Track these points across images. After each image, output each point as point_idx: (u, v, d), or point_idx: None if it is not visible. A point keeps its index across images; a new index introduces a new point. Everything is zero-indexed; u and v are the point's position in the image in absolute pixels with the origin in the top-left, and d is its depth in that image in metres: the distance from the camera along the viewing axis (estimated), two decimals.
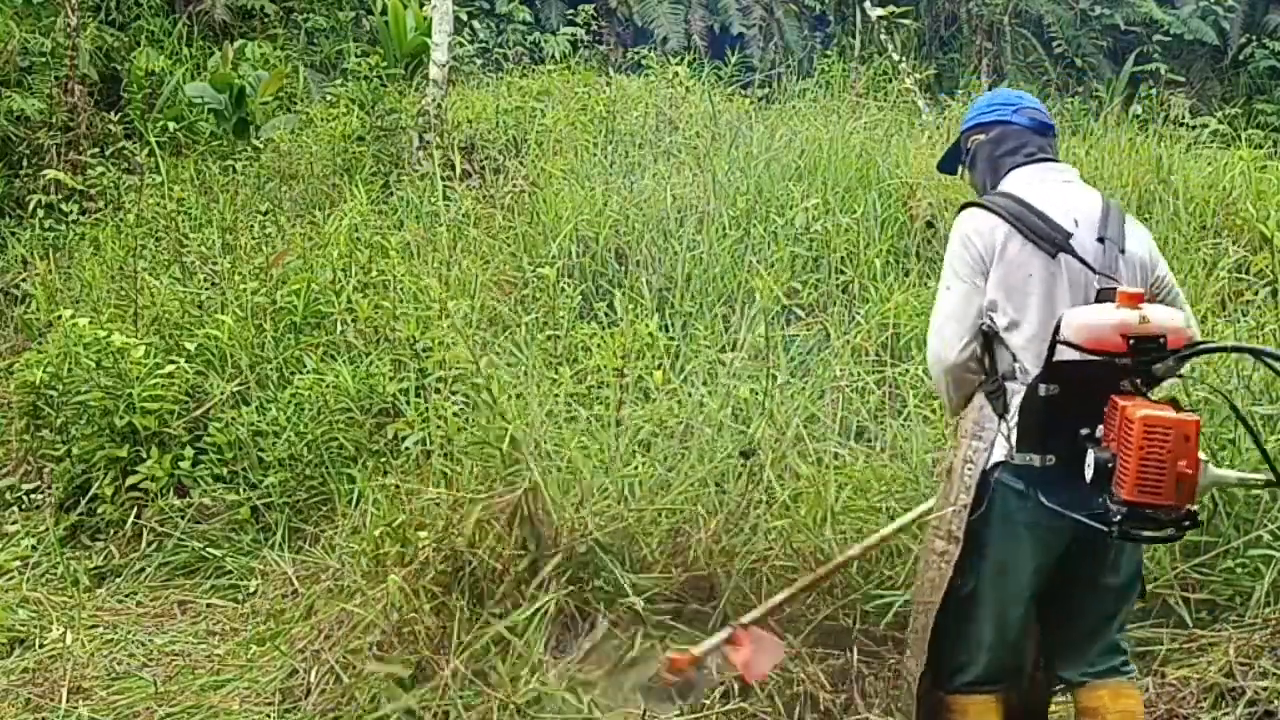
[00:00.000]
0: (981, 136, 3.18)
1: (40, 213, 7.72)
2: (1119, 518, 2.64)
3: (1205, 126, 8.98)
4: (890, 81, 9.44)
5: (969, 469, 3.01)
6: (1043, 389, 2.78)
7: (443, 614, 3.85)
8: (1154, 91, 9.74)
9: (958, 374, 3.02)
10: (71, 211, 7.66)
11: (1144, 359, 2.68)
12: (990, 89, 9.86)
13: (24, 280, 7.47)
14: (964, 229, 3.01)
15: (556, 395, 4.52)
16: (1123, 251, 2.90)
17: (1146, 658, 3.78)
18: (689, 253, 5.76)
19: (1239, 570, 3.89)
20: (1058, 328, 2.75)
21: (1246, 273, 5.79)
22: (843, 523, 3.96)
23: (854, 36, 10.65)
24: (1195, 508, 2.67)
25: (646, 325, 4.86)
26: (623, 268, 5.95)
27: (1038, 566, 2.98)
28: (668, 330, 5.23)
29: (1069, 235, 2.89)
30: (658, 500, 3.97)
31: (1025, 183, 3.03)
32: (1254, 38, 11.80)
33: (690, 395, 4.60)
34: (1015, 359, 2.92)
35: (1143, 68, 10.79)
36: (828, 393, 4.64)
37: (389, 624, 3.87)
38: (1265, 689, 3.49)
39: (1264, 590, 3.80)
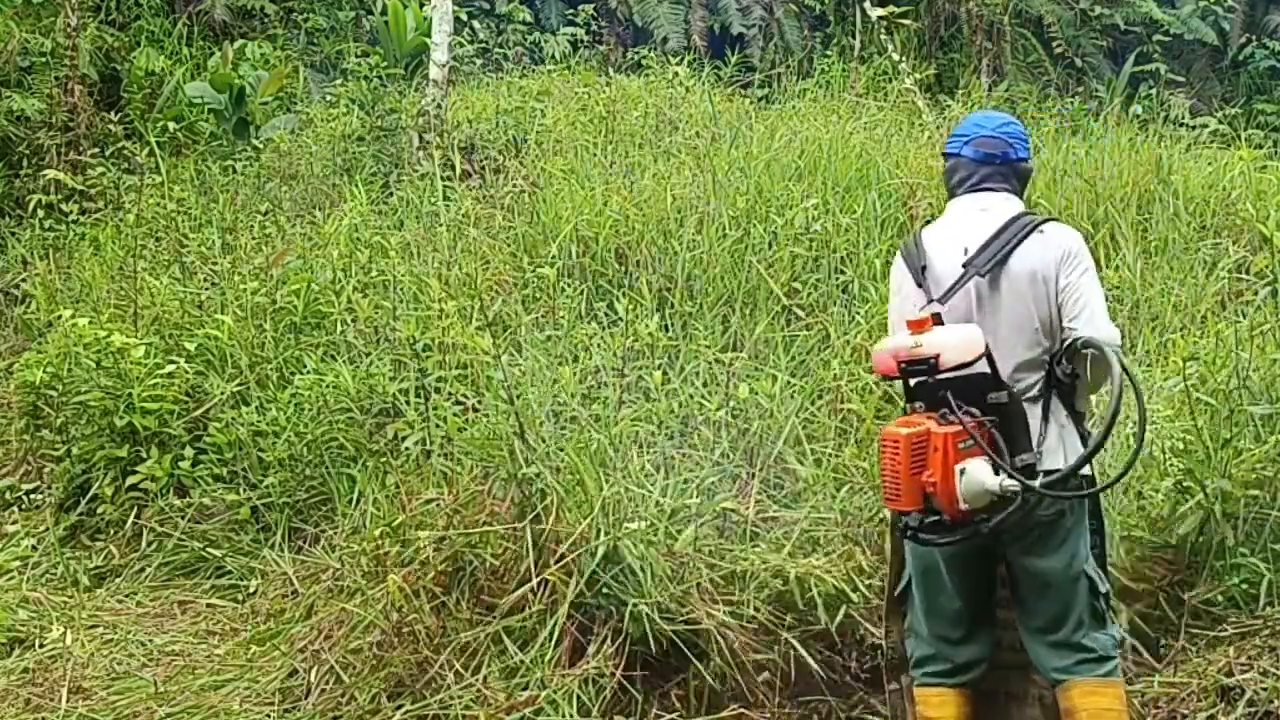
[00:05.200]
0: (945, 166, 3.42)
1: (40, 213, 7.71)
2: (904, 524, 3.01)
3: (1205, 126, 8.98)
4: (890, 81, 9.44)
5: None
6: (908, 407, 3.15)
7: (443, 614, 3.85)
8: (1154, 91, 9.74)
9: None
10: (71, 211, 7.66)
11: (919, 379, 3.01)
12: (990, 89, 9.89)
13: (24, 280, 7.47)
14: (891, 270, 3.41)
15: (558, 395, 4.52)
16: (983, 274, 3.09)
17: (1148, 658, 3.79)
18: (689, 253, 5.76)
19: (1239, 570, 3.89)
20: None
21: (1246, 273, 5.79)
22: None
23: (854, 36, 10.64)
24: (970, 513, 2.92)
25: (647, 325, 4.86)
26: (623, 268, 5.95)
27: (951, 564, 3.17)
28: (668, 330, 5.23)
29: (924, 268, 3.18)
30: (656, 500, 3.97)
31: (950, 213, 3.30)
32: (1254, 38, 11.80)
33: (691, 396, 4.61)
34: None
35: (1143, 68, 10.79)
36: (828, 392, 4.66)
37: (389, 624, 3.87)
38: (1265, 689, 3.48)
39: (1264, 590, 3.80)
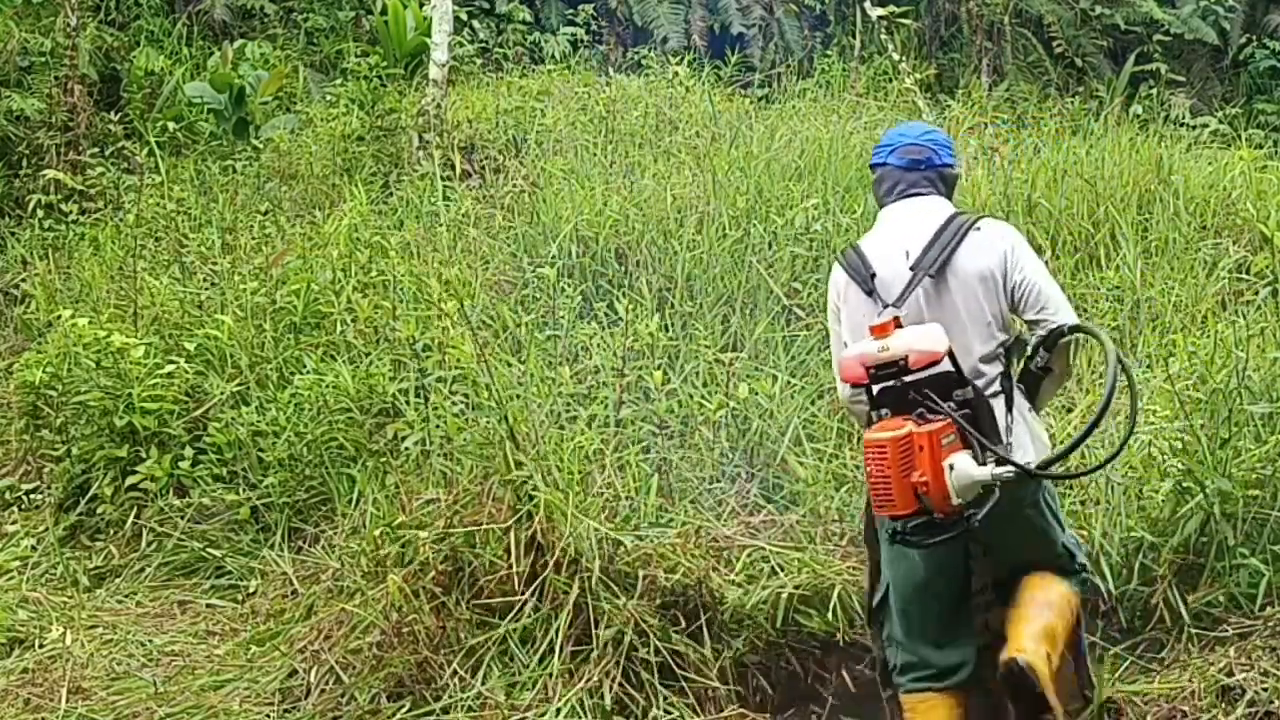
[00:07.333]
0: (873, 178, 3.48)
1: (40, 213, 7.70)
2: (890, 530, 3.03)
3: (1205, 126, 8.97)
4: (890, 81, 9.44)
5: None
6: (874, 415, 3.12)
7: (442, 614, 3.85)
8: (1154, 91, 9.73)
9: (851, 407, 3.36)
10: (71, 211, 7.65)
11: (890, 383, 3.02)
12: (990, 89, 9.89)
13: (24, 280, 7.47)
14: (829, 283, 3.45)
15: (558, 395, 4.52)
16: (932, 274, 3.15)
17: (1149, 659, 3.79)
18: (689, 253, 5.76)
19: (1239, 570, 3.88)
20: None
21: (1246, 273, 5.79)
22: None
23: (854, 36, 10.63)
24: (960, 508, 2.93)
25: (647, 325, 4.86)
26: (623, 268, 5.95)
27: (930, 566, 3.19)
28: (668, 330, 5.23)
29: (874, 275, 3.22)
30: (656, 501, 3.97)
31: (884, 221, 3.37)
32: (1254, 38, 11.77)
33: (691, 396, 4.61)
34: None
35: (1143, 68, 10.77)
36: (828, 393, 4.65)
37: (389, 624, 3.87)
38: (1265, 689, 3.48)
39: (1263, 590, 3.80)
